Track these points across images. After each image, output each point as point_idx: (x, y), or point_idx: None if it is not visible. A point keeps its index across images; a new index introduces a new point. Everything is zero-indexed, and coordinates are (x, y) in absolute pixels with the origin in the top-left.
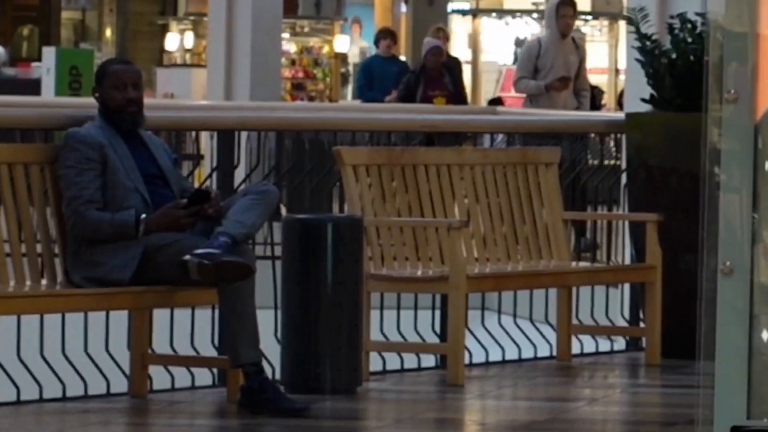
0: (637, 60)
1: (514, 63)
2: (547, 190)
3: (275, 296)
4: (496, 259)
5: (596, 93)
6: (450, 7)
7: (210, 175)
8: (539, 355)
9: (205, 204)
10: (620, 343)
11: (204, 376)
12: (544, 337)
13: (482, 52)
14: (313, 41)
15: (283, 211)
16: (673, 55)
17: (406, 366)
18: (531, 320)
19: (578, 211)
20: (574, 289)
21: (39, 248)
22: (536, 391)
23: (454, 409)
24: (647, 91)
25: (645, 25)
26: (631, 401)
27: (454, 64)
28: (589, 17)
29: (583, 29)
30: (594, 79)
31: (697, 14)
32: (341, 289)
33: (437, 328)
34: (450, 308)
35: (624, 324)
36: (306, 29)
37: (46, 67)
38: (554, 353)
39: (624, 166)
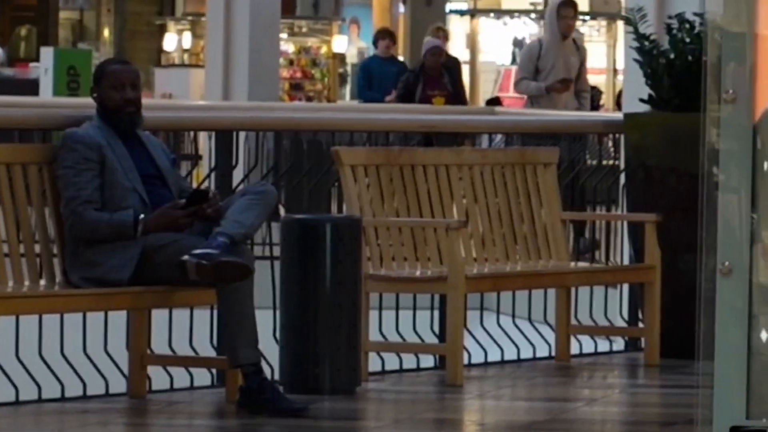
0: (636, 60)
1: (513, 63)
2: (545, 191)
3: (274, 296)
4: (495, 259)
5: (594, 93)
6: (448, 7)
7: (208, 176)
8: (538, 355)
9: (204, 204)
10: (619, 344)
11: (203, 376)
12: (542, 337)
13: (480, 53)
14: (311, 41)
15: (282, 211)
16: (672, 56)
17: (405, 366)
18: (530, 320)
19: (577, 211)
20: (572, 290)
21: (37, 248)
22: (535, 392)
23: (453, 409)
24: (645, 92)
25: (643, 26)
26: (630, 401)
27: (454, 64)
28: (587, 17)
29: (582, 29)
30: (592, 79)
31: (696, 14)
32: (340, 290)
33: (436, 329)
34: (449, 308)
35: (623, 324)
36: (304, 29)
37: (44, 67)
38: (553, 353)
39: (622, 166)
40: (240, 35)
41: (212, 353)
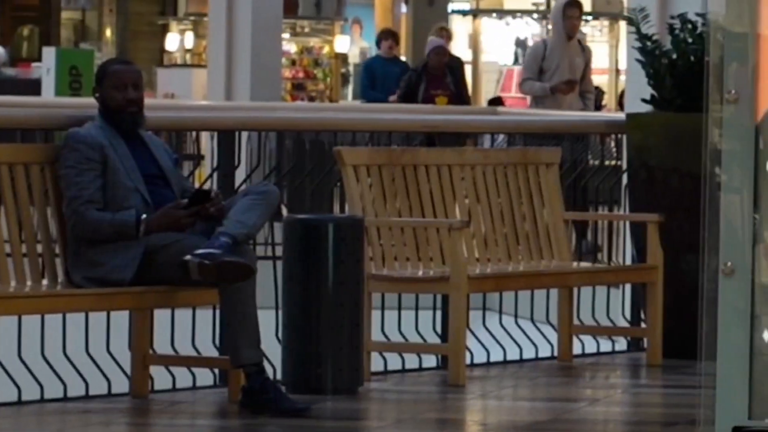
0: (638, 60)
1: (515, 63)
2: (547, 191)
3: (276, 296)
4: (497, 259)
5: (597, 93)
6: (450, 7)
7: (210, 176)
8: (540, 355)
9: (206, 203)
10: (621, 344)
11: (205, 376)
12: (545, 337)
13: (482, 53)
14: (314, 41)
15: (284, 211)
16: (674, 56)
17: (407, 366)
18: (532, 320)
19: (579, 211)
20: (575, 290)
21: (40, 248)
22: (537, 392)
23: (455, 409)
24: (648, 92)
25: (645, 26)
26: (632, 401)
27: (457, 65)
28: (589, 17)
29: (584, 29)
30: (594, 79)
31: (698, 15)
32: (342, 290)
33: (438, 329)
34: (451, 308)
35: (625, 324)
36: (306, 29)
37: (46, 67)
38: (555, 353)
39: (625, 166)
40: (242, 35)
41: (215, 353)
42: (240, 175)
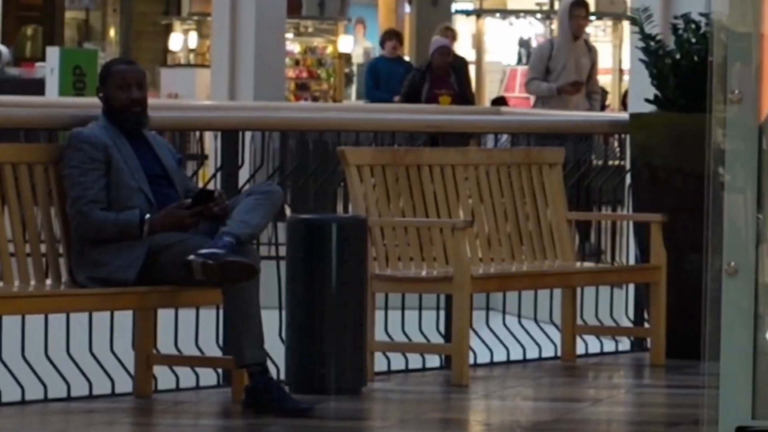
0: (641, 60)
1: (518, 63)
2: (551, 191)
3: (280, 296)
4: (501, 259)
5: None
6: (454, 7)
7: (214, 175)
8: (544, 355)
9: (210, 203)
10: (625, 344)
11: (209, 376)
12: (548, 337)
13: (486, 53)
14: (317, 41)
15: (288, 211)
16: (677, 56)
17: (410, 366)
18: (535, 320)
19: (582, 211)
20: (578, 290)
21: (43, 248)
22: (541, 392)
23: (458, 409)
24: (651, 92)
25: (649, 26)
26: (635, 401)
27: (461, 65)
28: (593, 17)
29: (588, 29)
30: (598, 79)
31: (701, 14)
32: (346, 290)
33: (442, 329)
34: (454, 308)
35: (628, 324)
36: (310, 29)
37: (50, 66)
38: (559, 354)
39: (628, 166)
40: (246, 35)
41: (218, 353)
42: (243, 174)
